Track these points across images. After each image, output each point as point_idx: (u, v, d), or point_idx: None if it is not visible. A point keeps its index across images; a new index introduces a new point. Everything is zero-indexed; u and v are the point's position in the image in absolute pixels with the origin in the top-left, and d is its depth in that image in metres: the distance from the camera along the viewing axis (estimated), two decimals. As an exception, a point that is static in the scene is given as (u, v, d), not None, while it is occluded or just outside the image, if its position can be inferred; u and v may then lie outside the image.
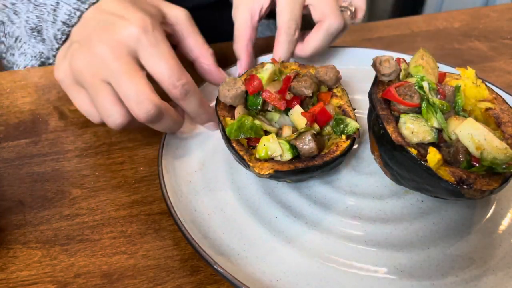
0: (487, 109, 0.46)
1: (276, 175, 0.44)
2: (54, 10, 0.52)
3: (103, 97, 0.45)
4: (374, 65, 0.50)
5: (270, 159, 0.45)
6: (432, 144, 0.44)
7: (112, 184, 0.52)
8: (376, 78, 0.50)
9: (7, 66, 0.78)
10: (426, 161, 0.40)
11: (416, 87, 0.46)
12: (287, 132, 0.47)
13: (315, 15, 0.59)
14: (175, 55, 0.47)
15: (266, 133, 0.47)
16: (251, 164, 0.44)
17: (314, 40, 0.58)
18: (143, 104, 0.44)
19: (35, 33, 0.56)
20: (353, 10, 0.61)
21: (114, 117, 0.46)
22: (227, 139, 0.47)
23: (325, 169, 0.46)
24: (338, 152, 0.46)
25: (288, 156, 0.45)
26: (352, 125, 0.48)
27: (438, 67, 0.49)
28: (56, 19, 0.52)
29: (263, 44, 0.78)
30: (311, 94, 0.50)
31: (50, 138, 0.58)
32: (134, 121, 0.47)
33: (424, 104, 0.44)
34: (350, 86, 0.62)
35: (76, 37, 0.49)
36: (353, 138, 0.48)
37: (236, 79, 0.50)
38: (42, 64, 0.71)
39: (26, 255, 0.44)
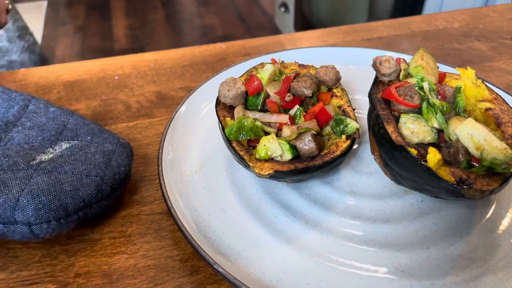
0: (487, 109, 0.46)
1: (276, 175, 0.44)
2: None
3: None
4: (374, 65, 0.50)
5: (270, 159, 0.45)
6: (432, 144, 0.44)
7: (112, 184, 0.52)
8: (376, 78, 0.50)
9: None
10: (426, 161, 0.41)
11: (416, 88, 0.46)
12: (287, 132, 0.47)
13: None
14: None
15: (266, 133, 0.47)
16: (251, 164, 0.44)
17: None
18: None
19: None
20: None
21: None
22: (227, 140, 0.47)
23: (325, 169, 0.46)
24: (338, 152, 0.46)
25: (288, 156, 0.45)
26: (352, 125, 0.48)
27: (438, 67, 0.49)
28: None
29: (263, 44, 0.78)
30: (311, 95, 0.50)
31: (50, 138, 0.58)
32: None
33: (424, 105, 0.44)
34: (350, 86, 0.62)
35: None
36: (353, 138, 0.48)
37: (236, 79, 0.50)
38: None
39: (26, 255, 0.44)
